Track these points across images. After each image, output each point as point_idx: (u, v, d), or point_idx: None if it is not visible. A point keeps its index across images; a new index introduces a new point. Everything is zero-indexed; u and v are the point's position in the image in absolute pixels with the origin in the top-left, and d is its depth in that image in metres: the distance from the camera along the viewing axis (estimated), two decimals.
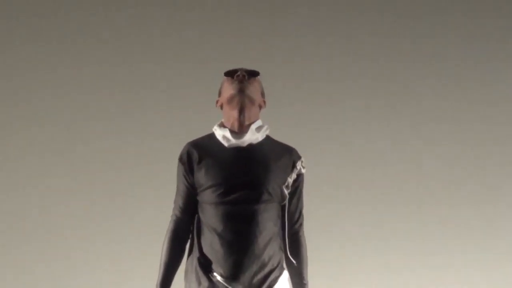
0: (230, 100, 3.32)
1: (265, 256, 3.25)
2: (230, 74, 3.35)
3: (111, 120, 5.43)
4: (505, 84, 5.57)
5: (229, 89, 3.32)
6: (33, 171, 5.38)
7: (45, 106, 5.42)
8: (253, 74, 3.36)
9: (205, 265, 3.27)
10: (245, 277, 3.23)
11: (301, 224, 3.42)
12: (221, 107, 3.40)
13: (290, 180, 3.35)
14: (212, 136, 3.39)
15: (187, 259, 3.37)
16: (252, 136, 3.33)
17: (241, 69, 3.35)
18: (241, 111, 3.31)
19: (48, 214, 5.35)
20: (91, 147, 5.40)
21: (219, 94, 3.41)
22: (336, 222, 5.39)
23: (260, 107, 3.40)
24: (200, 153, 3.33)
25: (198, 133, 3.46)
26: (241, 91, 3.29)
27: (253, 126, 3.34)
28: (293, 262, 3.37)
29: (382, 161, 5.48)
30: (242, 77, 3.31)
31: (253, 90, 3.32)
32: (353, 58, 5.53)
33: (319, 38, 5.53)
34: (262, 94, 3.42)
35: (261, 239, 3.24)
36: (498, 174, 5.52)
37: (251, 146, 3.33)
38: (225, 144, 3.33)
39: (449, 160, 5.52)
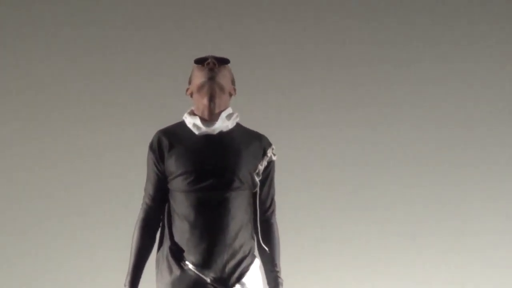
0: (200, 88, 3.31)
1: (237, 244, 3.25)
2: (200, 61, 3.34)
3: (82, 110, 5.40)
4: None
5: (199, 77, 3.31)
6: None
7: (18, 97, 5.39)
8: (223, 61, 3.34)
9: (177, 254, 3.26)
10: (217, 265, 3.22)
11: (273, 211, 3.42)
12: (191, 95, 3.39)
13: (261, 167, 3.35)
14: (182, 124, 3.37)
15: (158, 247, 3.36)
16: (222, 124, 3.32)
17: (211, 57, 3.33)
18: (211, 98, 3.31)
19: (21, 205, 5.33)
20: (62, 136, 5.38)
21: (189, 82, 3.40)
22: (308, 211, 5.39)
23: (230, 94, 3.40)
24: (171, 141, 3.32)
25: (168, 122, 3.44)
26: (211, 79, 3.28)
27: (223, 114, 3.33)
28: (265, 250, 3.37)
29: (358, 150, 5.48)
30: (212, 65, 3.30)
31: (223, 77, 3.31)
32: (327, 45, 5.52)
33: (292, 25, 5.52)
34: (233, 82, 3.41)
35: (232, 227, 3.24)
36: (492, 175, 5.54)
37: (221, 134, 3.32)
38: (196, 132, 3.32)
39: (430, 145, 5.54)
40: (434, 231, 5.46)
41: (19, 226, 5.32)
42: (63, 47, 5.42)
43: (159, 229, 3.37)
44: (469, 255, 5.44)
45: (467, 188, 5.50)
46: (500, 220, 5.49)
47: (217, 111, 3.32)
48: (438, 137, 5.53)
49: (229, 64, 3.37)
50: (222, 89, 3.32)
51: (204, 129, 3.31)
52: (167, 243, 3.30)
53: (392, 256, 5.42)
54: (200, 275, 3.22)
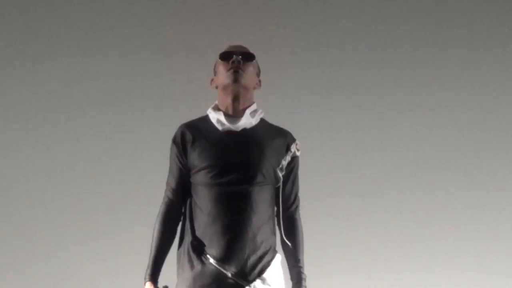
0: (225, 87, 3.30)
1: (258, 239, 3.22)
2: (225, 58, 3.31)
3: (103, 103, 5.39)
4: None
5: (223, 77, 3.29)
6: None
7: (36, 99, 5.40)
8: (249, 58, 3.32)
9: (198, 248, 3.23)
10: (238, 260, 3.19)
11: (297, 207, 3.39)
12: (216, 86, 3.37)
13: (284, 162, 3.32)
14: (206, 118, 3.36)
15: (180, 242, 3.33)
16: (247, 121, 3.31)
17: (236, 52, 3.30)
18: (236, 99, 3.30)
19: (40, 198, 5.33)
20: (84, 131, 5.37)
21: (214, 73, 3.38)
22: (332, 207, 5.35)
23: (255, 87, 3.37)
24: (194, 135, 3.30)
25: (191, 116, 3.43)
26: (236, 81, 3.27)
27: (248, 111, 3.32)
28: (288, 245, 3.34)
29: (381, 147, 5.44)
30: (237, 64, 3.26)
31: (248, 77, 3.30)
32: (352, 41, 5.50)
33: (316, 19, 5.50)
34: (258, 74, 3.39)
35: (255, 222, 3.21)
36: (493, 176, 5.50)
37: (245, 129, 3.30)
38: (219, 128, 3.30)
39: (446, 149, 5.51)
40: (452, 236, 5.43)
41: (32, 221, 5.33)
42: (78, 44, 5.42)
43: (180, 223, 3.35)
44: (474, 259, 5.41)
45: (476, 193, 5.47)
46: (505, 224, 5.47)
47: (241, 108, 3.31)
48: (447, 139, 5.49)
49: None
50: (247, 89, 3.31)
51: (227, 125, 3.29)
52: (188, 237, 3.27)
53: (417, 258, 5.39)
54: (221, 269, 3.19)
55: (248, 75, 3.30)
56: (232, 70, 3.27)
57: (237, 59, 3.28)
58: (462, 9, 5.58)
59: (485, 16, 5.58)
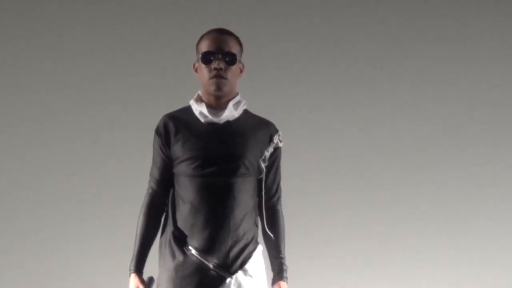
0: (207, 90, 3.29)
1: (241, 231, 3.23)
2: (207, 60, 3.26)
3: (85, 98, 5.38)
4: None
5: (206, 83, 3.27)
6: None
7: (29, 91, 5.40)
8: (232, 61, 3.26)
9: (180, 239, 3.24)
10: (220, 251, 3.20)
11: (278, 198, 3.40)
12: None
13: (267, 153, 3.33)
14: (189, 108, 3.35)
15: (161, 232, 3.35)
16: (230, 114, 3.30)
17: (217, 50, 3.25)
18: (219, 97, 3.29)
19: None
20: (68, 120, 5.37)
21: (197, 59, 3.32)
22: (314, 198, 5.34)
23: (238, 77, 3.35)
24: (177, 125, 3.30)
25: (173, 106, 3.43)
26: (219, 90, 3.26)
27: (231, 104, 3.31)
28: (270, 236, 3.35)
29: (370, 142, 5.43)
30: (220, 71, 3.23)
31: (231, 81, 3.27)
32: (338, 32, 5.48)
33: (303, 11, 5.49)
34: (240, 60, 3.33)
35: (237, 213, 3.22)
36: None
37: (228, 121, 3.30)
38: (202, 120, 3.29)
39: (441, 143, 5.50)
40: (442, 234, 5.42)
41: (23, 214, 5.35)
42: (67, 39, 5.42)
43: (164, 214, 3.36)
44: (473, 258, 5.41)
45: (473, 192, 5.46)
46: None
47: (224, 101, 3.31)
48: (444, 138, 5.47)
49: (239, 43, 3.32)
50: (230, 89, 3.29)
51: (210, 118, 3.28)
52: (170, 228, 3.28)
53: (401, 249, 5.40)
54: (203, 260, 3.20)
55: (231, 78, 3.27)
56: (214, 79, 3.25)
57: (220, 65, 3.25)
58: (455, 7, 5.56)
59: (483, 15, 5.55)
